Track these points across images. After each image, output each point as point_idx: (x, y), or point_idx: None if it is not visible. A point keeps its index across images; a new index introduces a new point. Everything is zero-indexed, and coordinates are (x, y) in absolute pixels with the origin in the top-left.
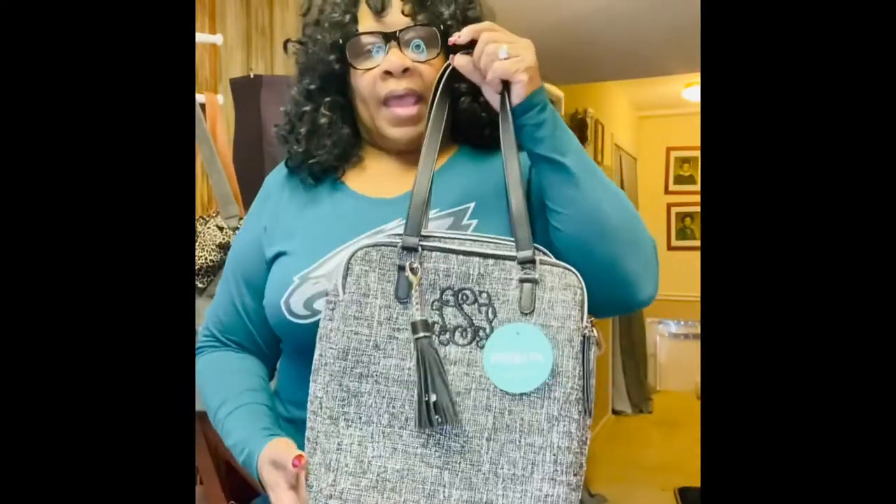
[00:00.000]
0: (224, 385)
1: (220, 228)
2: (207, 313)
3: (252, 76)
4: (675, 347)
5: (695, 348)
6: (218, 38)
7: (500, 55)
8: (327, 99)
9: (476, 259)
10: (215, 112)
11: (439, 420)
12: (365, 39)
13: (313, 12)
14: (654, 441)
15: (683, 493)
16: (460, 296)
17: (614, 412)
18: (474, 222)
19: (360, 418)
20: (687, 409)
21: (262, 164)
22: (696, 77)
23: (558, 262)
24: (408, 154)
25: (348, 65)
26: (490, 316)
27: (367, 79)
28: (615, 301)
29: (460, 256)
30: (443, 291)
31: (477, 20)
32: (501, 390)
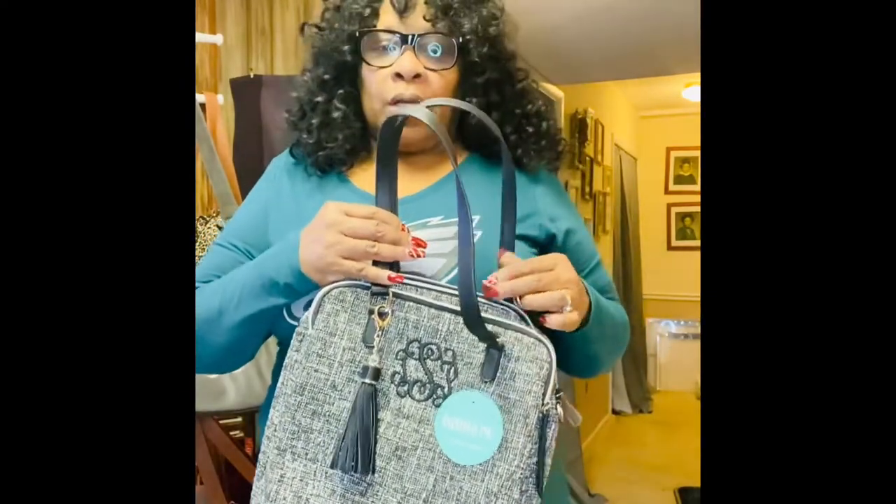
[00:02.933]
0: (220, 288)
1: (220, 228)
2: (198, 273)
3: (252, 76)
4: (675, 347)
5: (695, 348)
6: (218, 38)
7: (566, 310)
8: (340, 91)
9: (448, 315)
10: (215, 112)
11: (353, 467)
12: (382, 36)
13: None
14: (654, 441)
15: (683, 493)
16: (425, 350)
17: (614, 412)
18: (479, 234)
19: (307, 454)
20: (687, 409)
21: (262, 164)
22: (696, 77)
23: (531, 330)
24: (414, 155)
25: (361, 58)
26: (451, 375)
27: (378, 76)
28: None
29: (432, 310)
30: (409, 342)
31: (498, 37)
32: (446, 455)
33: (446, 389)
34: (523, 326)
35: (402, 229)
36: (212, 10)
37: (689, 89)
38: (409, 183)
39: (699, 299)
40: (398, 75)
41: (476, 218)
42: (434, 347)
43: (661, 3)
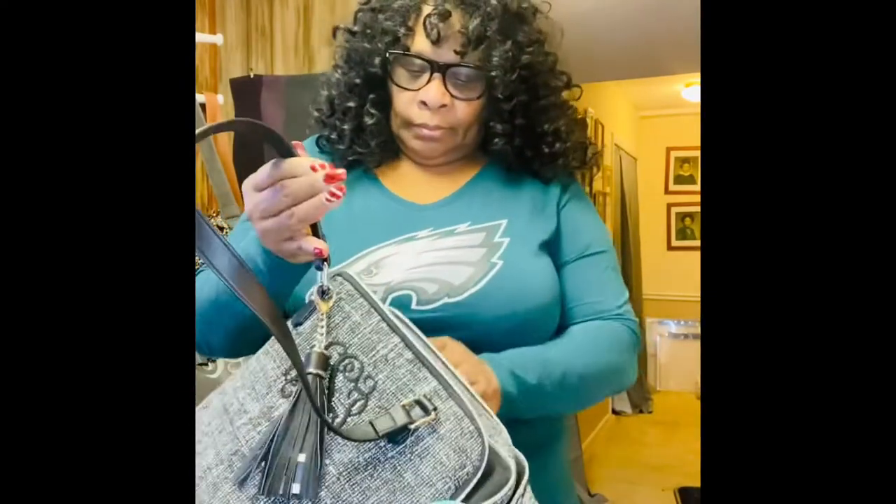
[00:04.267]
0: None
1: (221, 228)
2: None
3: (252, 76)
4: (675, 347)
5: (695, 348)
6: (218, 38)
7: None
8: (372, 96)
9: (396, 339)
10: (215, 112)
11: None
12: (412, 61)
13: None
14: (654, 441)
15: (683, 493)
16: (345, 362)
17: (614, 412)
18: (506, 240)
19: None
20: (687, 409)
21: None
22: (696, 77)
23: (482, 420)
24: (437, 166)
25: (389, 75)
26: (353, 409)
27: (404, 98)
28: None
29: (383, 323)
30: (332, 344)
31: (531, 66)
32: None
33: (338, 420)
34: (475, 408)
35: (315, 169)
36: (212, 10)
37: (689, 89)
38: (433, 189)
39: (699, 299)
40: (424, 103)
41: (503, 222)
42: (356, 364)
43: (661, 3)
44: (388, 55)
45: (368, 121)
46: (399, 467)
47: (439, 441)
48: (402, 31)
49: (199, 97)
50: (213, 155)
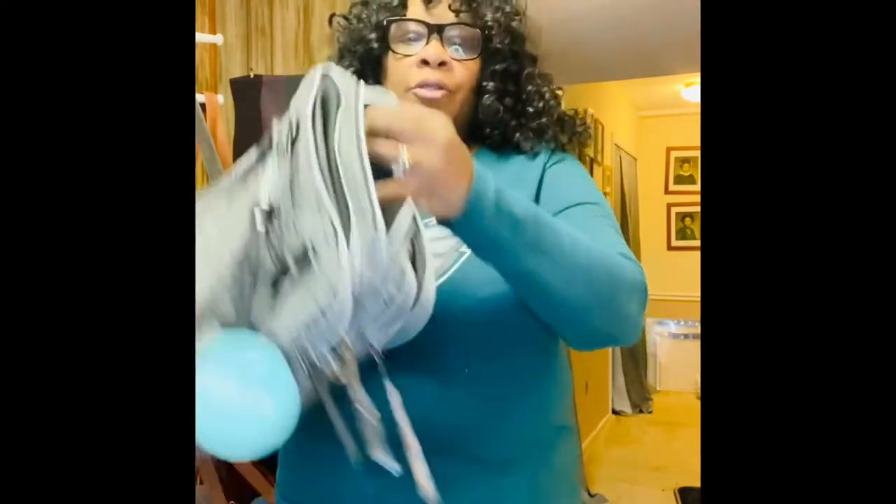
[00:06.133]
0: None
1: None
2: None
3: (252, 76)
4: (675, 347)
5: (695, 348)
6: (218, 38)
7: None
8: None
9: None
10: (215, 112)
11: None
12: (409, 26)
13: None
14: (654, 441)
15: (683, 493)
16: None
17: (614, 412)
18: None
19: None
20: (687, 409)
21: None
22: (696, 77)
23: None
24: None
25: (388, 47)
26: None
27: (402, 65)
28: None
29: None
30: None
31: (520, 33)
32: None
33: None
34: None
35: None
36: (212, 10)
37: (689, 89)
38: None
39: (699, 299)
40: (424, 62)
41: None
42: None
43: (661, 3)
44: (385, 23)
45: None
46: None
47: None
48: (396, 2)
49: (199, 97)
50: (213, 155)
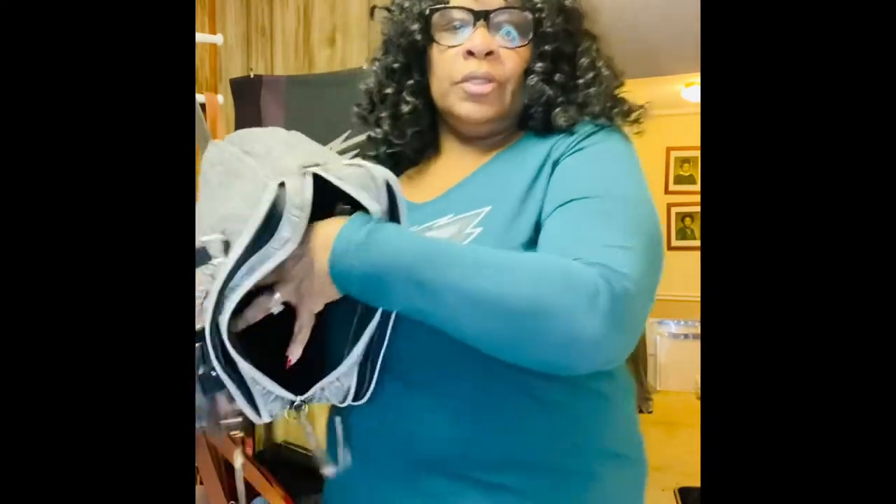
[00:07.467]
0: None
1: None
2: None
3: (252, 76)
4: (675, 347)
5: (695, 348)
6: (218, 38)
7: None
8: (410, 81)
9: None
10: (215, 112)
11: None
12: (454, 14)
13: None
14: (654, 441)
15: (683, 493)
16: None
17: None
18: (477, 231)
19: None
20: (687, 409)
21: None
22: (696, 77)
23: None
24: (481, 140)
25: (431, 38)
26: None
27: (447, 56)
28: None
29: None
30: None
31: (575, 11)
32: None
33: None
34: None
35: None
36: (212, 10)
37: (689, 89)
38: (437, 186)
39: (699, 299)
40: (470, 53)
41: (485, 210)
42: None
43: (661, 3)
44: (428, 12)
45: (404, 108)
46: None
47: None
48: None
49: (199, 97)
50: None
